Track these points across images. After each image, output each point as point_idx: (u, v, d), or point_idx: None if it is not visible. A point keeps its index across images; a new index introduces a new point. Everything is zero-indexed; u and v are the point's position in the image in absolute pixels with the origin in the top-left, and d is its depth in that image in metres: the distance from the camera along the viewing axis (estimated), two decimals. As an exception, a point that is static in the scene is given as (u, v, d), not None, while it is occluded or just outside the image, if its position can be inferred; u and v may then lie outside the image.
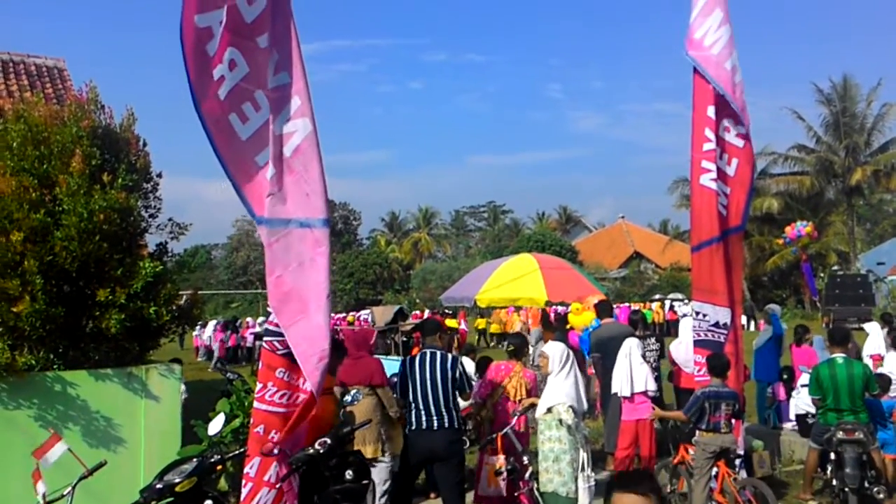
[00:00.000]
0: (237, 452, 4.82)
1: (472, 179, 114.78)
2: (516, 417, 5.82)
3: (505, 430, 5.74)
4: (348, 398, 6.21)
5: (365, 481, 5.07)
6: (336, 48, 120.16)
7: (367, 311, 29.83)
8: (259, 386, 4.55)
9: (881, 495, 6.44)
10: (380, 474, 5.75)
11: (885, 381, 7.55)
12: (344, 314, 33.03)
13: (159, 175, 7.66)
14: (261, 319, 24.81)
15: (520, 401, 6.10)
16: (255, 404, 4.53)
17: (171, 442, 6.60)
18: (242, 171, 4.51)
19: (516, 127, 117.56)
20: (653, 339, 9.25)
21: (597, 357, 7.98)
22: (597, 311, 8.27)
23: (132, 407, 6.63)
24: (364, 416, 5.54)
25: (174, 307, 7.06)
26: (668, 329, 28.54)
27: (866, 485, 6.41)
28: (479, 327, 29.85)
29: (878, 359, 8.80)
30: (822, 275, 34.49)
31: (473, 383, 6.61)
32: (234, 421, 6.33)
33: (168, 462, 4.64)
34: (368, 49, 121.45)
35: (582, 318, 9.42)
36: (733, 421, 6.31)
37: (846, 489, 6.42)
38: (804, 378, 8.31)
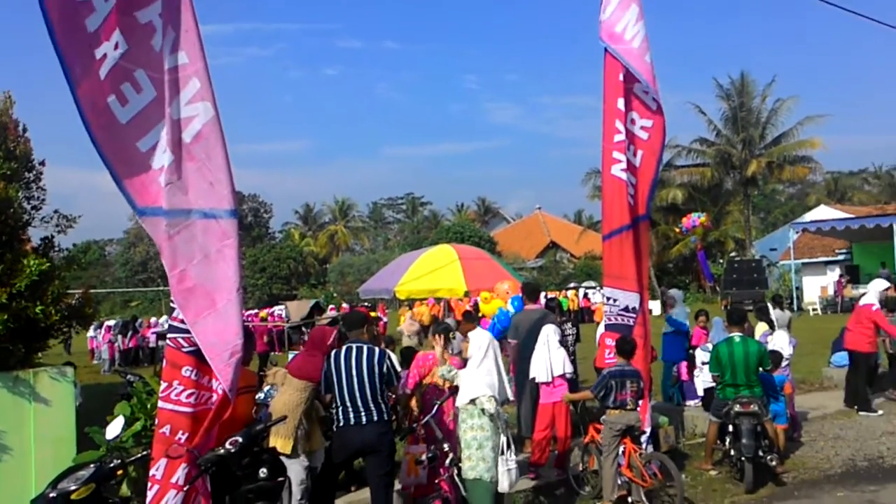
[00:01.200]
0: (140, 456, 4.61)
1: (390, 171, 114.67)
2: (436, 406, 5.85)
3: (426, 419, 5.75)
4: (261, 395, 6.05)
5: (280, 479, 4.96)
6: (242, 31, 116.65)
7: (281, 307, 29.22)
8: (164, 385, 4.36)
9: (773, 462, 6.96)
10: (296, 473, 5.62)
11: (776, 357, 8.10)
12: (256, 310, 32.19)
13: (42, 163, 7.18)
14: (164, 318, 23.81)
15: (449, 388, 6.10)
16: (160, 404, 4.34)
17: (66, 448, 6.23)
18: (122, 159, 4.24)
19: (434, 117, 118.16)
20: (569, 325, 9.58)
21: (514, 343, 8.11)
22: (523, 292, 8.38)
23: (19, 413, 6.22)
24: (281, 413, 5.41)
25: (63, 306, 6.65)
26: (583, 315, 29.55)
27: (761, 453, 6.90)
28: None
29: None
30: (721, 260, 36.62)
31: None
32: (136, 424, 6.06)
33: (63, 469, 4.38)
34: (278, 33, 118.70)
35: (491, 306, 9.55)
36: (640, 400, 6.62)
37: (743, 458, 6.88)
38: (704, 356, 8.79)
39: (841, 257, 31.82)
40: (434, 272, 10.88)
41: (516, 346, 7.96)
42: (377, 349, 5.56)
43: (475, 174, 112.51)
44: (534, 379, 7.28)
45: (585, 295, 33.36)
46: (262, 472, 4.73)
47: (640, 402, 6.65)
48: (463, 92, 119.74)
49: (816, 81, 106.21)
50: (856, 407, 10.08)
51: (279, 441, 5.48)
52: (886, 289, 10.67)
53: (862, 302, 10.57)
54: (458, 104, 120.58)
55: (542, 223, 56.74)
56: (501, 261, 14.90)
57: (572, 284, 38.31)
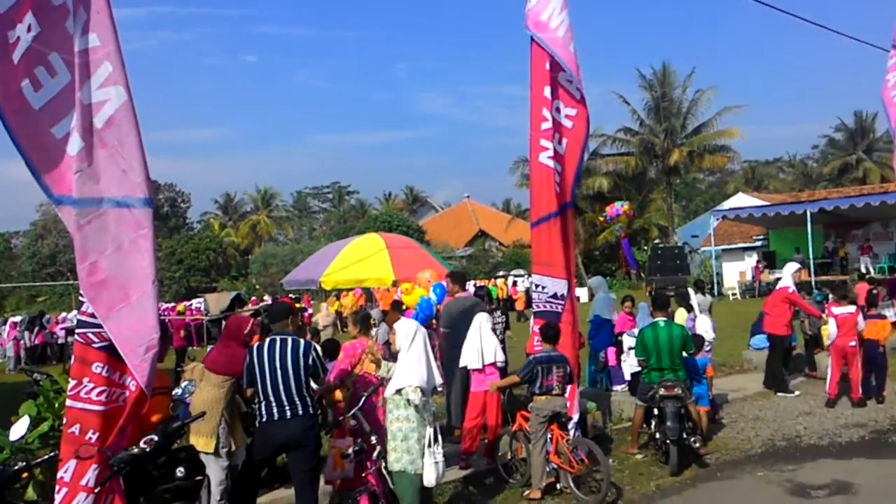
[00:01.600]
0: (47, 457, 4.41)
1: (315, 159, 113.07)
2: (364, 398, 5.81)
3: (353, 412, 5.71)
4: (178, 391, 5.87)
5: (198, 478, 4.84)
6: (157, 14, 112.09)
7: (200, 300, 28.40)
8: (73, 383, 4.22)
9: (697, 444, 7.25)
10: (215, 472, 5.48)
11: (698, 340, 8.45)
12: (173, 304, 31.16)
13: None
14: (73, 313, 22.76)
15: (377, 379, 6.07)
16: (69, 402, 4.20)
17: (-34, 454, 5.88)
18: (37, 145, 4.13)
19: (361, 105, 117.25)
20: (499, 312, 9.75)
21: (446, 331, 8.17)
22: (453, 281, 8.44)
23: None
24: (202, 409, 5.26)
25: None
26: (511, 304, 30.04)
27: (684, 436, 7.18)
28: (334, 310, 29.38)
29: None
30: (645, 247, 37.93)
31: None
32: (42, 424, 5.80)
33: (-39, 475, 4.14)
34: (195, 17, 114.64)
35: (413, 297, 9.58)
36: (568, 387, 6.78)
37: (668, 441, 7.14)
38: (631, 341, 9.09)
39: (758, 243, 33.38)
40: (361, 261, 10.81)
41: (446, 334, 8.02)
42: (302, 341, 5.47)
43: (403, 163, 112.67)
44: (465, 367, 7.35)
45: (514, 283, 33.86)
46: (180, 471, 4.61)
47: (569, 388, 6.81)
48: (391, 80, 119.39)
49: (733, 73, 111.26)
50: (774, 388, 10.65)
51: (201, 440, 5.34)
52: (798, 270, 11.31)
53: (778, 286, 11.17)
54: (386, 92, 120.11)
55: (471, 212, 57.23)
56: (430, 249, 14.96)
57: (501, 273, 38.84)
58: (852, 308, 9.90)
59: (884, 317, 10.76)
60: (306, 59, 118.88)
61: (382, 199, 65.60)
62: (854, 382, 9.67)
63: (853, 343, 9.65)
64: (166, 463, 4.53)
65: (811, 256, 23.76)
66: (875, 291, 12.84)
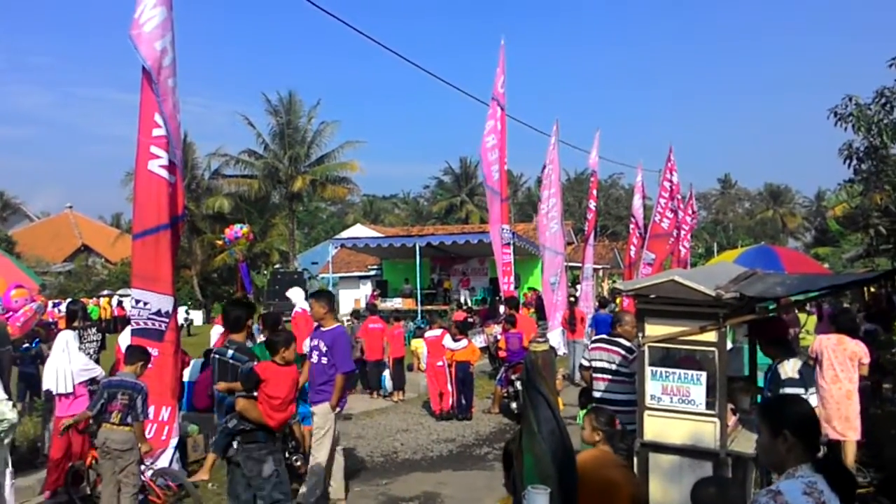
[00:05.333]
0: None
1: None
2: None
3: None
4: None
5: None
6: None
7: None
8: None
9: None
10: None
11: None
12: None
13: None
14: None
15: None
16: None
17: None
18: None
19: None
20: (94, 330, 9.14)
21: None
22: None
23: None
24: None
25: None
26: (117, 325, 28.12)
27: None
28: None
29: None
30: (265, 272, 38.62)
31: None
32: None
33: None
34: None
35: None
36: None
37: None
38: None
39: (373, 272, 36.48)
40: None
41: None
42: None
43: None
44: (49, 391, 6.73)
45: (120, 303, 31.72)
46: None
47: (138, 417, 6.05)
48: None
49: (355, 110, 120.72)
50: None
51: None
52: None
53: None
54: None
55: (74, 224, 51.99)
56: (19, 262, 13.12)
57: (106, 292, 35.99)
58: (438, 332, 11.84)
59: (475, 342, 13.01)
60: None
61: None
62: (445, 397, 11.50)
63: (440, 363, 11.46)
64: None
65: (419, 287, 26.79)
66: (470, 320, 15.30)
